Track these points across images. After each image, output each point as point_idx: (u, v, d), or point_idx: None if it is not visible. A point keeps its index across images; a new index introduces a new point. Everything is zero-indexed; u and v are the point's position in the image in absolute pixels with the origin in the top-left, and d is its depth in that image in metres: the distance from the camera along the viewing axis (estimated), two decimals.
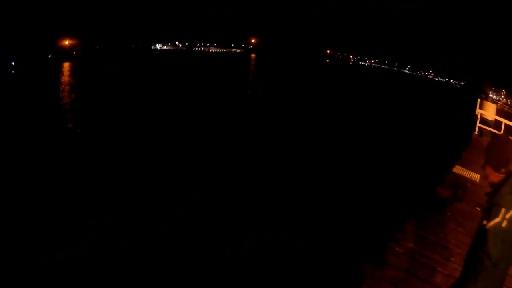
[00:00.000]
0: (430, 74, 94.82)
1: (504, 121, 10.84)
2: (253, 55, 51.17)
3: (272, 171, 6.93)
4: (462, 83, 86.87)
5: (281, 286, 3.68)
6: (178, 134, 9.35)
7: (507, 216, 1.73)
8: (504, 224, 1.72)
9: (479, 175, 6.00)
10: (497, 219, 1.73)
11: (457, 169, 6.19)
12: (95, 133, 8.43)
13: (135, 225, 4.48)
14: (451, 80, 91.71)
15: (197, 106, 12.70)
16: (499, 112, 13.58)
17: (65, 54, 26.85)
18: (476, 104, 12.38)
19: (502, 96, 56.49)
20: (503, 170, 1.86)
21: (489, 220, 1.74)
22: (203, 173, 6.52)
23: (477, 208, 3.22)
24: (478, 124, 11.13)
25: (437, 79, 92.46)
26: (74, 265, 3.70)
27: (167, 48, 42.19)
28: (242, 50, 56.37)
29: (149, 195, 5.36)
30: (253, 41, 59.81)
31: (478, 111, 11.63)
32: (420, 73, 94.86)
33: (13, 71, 17.98)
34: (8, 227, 4.21)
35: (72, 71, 21.44)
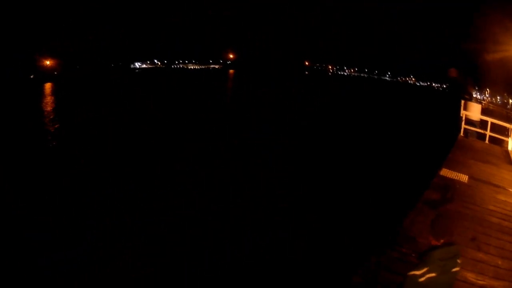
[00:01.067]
0: (411, 79, 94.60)
1: (490, 119, 10.82)
2: (231, 71, 51.23)
3: (272, 171, 6.93)
4: (444, 86, 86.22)
5: (281, 286, 3.68)
6: (178, 134, 9.36)
7: (428, 275, 1.99)
8: (422, 279, 1.99)
9: (467, 176, 6.04)
10: (418, 272, 1.98)
11: (444, 172, 6.19)
12: (95, 134, 8.45)
13: (135, 225, 4.48)
14: (433, 84, 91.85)
15: (196, 108, 12.68)
16: (484, 112, 13.53)
17: (47, 74, 24.77)
18: (460, 105, 12.32)
19: (487, 95, 56.31)
20: (442, 240, 2.10)
21: (413, 270, 1.99)
22: (203, 173, 6.52)
23: (413, 255, 3.42)
24: (463, 126, 11.09)
25: (418, 84, 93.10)
26: (74, 265, 3.70)
27: (146, 66, 42.97)
28: (220, 66, 56.82)
29: (149, 195, 5.36)
30: (231, 56, 59.79)
31: (463, 113, 11.58)
32: (401, 79, 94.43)
33: None
34: (8, 227, 4.21)
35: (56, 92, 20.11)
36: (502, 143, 11.12)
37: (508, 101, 49.04)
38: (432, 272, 2.00)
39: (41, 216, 4.50)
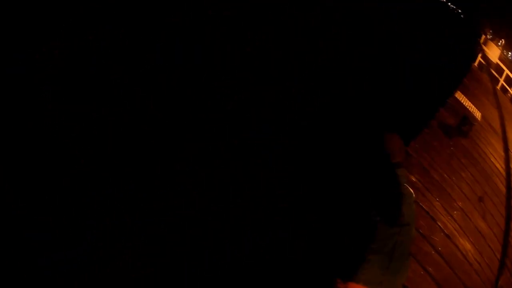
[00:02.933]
0: None
1: (506, 70, 10.41)
2: None
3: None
4: (459, 10, 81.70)
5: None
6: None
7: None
8: None
9: (480, 114, 5.70)
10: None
11: (460, 96, 5.83)
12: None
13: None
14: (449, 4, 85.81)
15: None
16: (501, 59, 13.11)
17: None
18: (477, 37, 11.77)
19: (500, 43, 55.47)
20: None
21: None
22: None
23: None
24: (479, 58, 10.59)
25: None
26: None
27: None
28: None
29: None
30: None
31: (482, 45, 11.07)
32: None
33: None
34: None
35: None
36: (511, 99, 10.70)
37: None
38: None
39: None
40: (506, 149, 4.75)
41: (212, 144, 8.49)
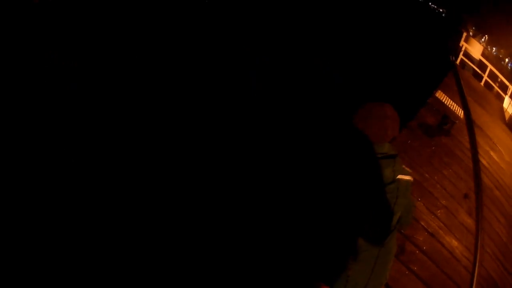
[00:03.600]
0: None
1: (490, 65, 10.48)
2: None
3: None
4: (441, 10, 79.63)
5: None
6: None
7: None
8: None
9: (462, 110, 5.62)
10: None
11: (441, 95, 5.79)
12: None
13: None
14: (430, 3, 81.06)
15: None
16: (484, 55, 13.17)
17: None
18: (460, 36, 11.79)
19: (483, 40, 55.13)
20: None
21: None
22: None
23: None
24: (461, 56, 10.61)
25: None
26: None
27: None
28: None
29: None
30: None
31: (463, 43, 11.06)
32: None
33: None
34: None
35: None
36: (498, 97, 10.83)
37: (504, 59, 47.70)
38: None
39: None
40: (473, 145, 4.76)
41: (213, 143, 8.24)
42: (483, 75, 10.48)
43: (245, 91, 8.98)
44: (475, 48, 12.50)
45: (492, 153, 5.41)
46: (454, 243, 3.16)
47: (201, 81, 9.37)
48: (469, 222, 3.47)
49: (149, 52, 10.38)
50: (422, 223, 2.95)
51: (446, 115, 4.67)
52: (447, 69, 8.71)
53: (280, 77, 10.65)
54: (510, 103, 10.29)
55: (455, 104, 5.83)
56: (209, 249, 4.28)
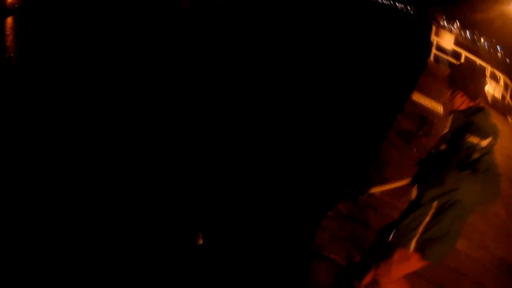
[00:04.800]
0: None
1: (465, 53, 10.31)
2: None
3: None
4: (409, 8, 79.68)
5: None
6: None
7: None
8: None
9: (442, 106, 5.36)
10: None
11: (417, 97, 5.56)
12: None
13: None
14: (397, 4, 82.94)
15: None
16: (457, 43, 12.79)
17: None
18: (430, 30, 11.54)
19: (455, 27, 54.25)
20: (478, 100, 1.72)
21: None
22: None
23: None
24: (434, 51, 10.38)
25: (380, 1, 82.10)
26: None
27: None
28: None
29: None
30: None
31: (434, 38, 10.87)
32: None
33: None
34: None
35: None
36: None
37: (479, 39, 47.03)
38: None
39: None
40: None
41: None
42: (459, 63, 10.54)
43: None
44: (447, 39, 12.48)
45: None
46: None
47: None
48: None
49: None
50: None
51: (423, 116, 4.56)
52: (421, 69, 8.79)
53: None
54: (490, 84, 10.36)
55: (433, 101, 5.81)
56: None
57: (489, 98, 9.47)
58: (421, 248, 1.68)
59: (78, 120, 6.98)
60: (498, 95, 9.77)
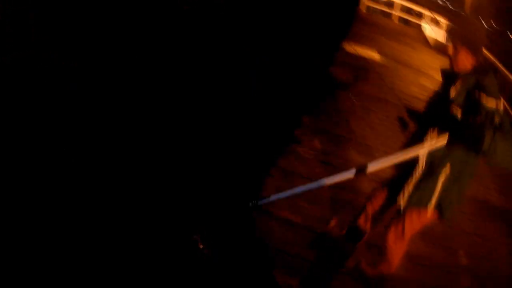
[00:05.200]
0: None
1: (398, 0, 9.75)
2: None
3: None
4: None
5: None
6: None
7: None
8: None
9: (378, 55, 5.41)
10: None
11: (350, 47, 5.39)
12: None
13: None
14: None
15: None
16: None
17: None
18: None
19: None
20: (479, 56, 1.69)
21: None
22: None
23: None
24: (365, 1, 9.95)
25: None
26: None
27: None
28: None
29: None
30: None
31: None
32: None
33: None
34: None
35: None
36: (418, 27, 10.06)
37: None
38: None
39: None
40: None
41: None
42: (393, 12, 10.10)
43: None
44: None
45: (422, 81, 5.23)
46: None
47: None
48: None
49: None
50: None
51: (358, 65, 4.31)
52: (351, 19, 7.93)
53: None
54: (430, 28, 9.83)
55: (369, 50, 5.49)
56: None
57: (432, 42, 9.08)
58: (439, 207, 1.74)
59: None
60: (442, 39, 9.47)
